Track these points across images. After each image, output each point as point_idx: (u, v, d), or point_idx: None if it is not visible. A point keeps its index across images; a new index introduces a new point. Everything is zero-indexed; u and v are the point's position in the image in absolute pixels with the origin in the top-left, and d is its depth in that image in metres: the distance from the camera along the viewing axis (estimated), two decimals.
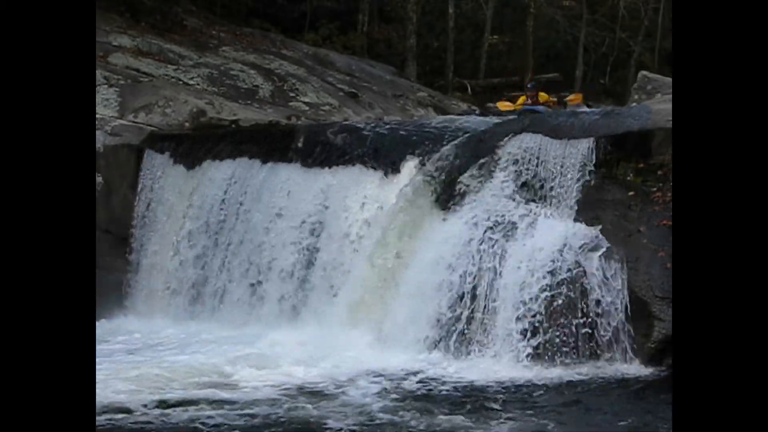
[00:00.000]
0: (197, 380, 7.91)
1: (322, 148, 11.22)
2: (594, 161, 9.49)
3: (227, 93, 15.08)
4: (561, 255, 8.86)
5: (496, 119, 11.81)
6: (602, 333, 8.61)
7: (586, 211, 9.27)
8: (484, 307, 8.93)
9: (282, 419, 6.83)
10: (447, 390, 7.80)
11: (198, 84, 15.17)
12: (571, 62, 26.57)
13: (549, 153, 9.65)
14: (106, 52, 15.27)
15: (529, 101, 13.71)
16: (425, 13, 25.67)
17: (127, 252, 12.12)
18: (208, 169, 11.98)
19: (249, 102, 15.03)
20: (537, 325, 8.62)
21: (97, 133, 12.17)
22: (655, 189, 9.32)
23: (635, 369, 8.42)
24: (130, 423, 6.62)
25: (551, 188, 9.54)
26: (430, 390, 7.79)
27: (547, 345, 8.58)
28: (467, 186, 9.89)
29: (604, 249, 8.88)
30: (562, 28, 26.99)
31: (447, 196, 9.91)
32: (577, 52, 26.43)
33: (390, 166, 10.64)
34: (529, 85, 14.27)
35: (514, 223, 9.35)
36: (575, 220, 9.24)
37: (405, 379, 8.09)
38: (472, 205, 9.69)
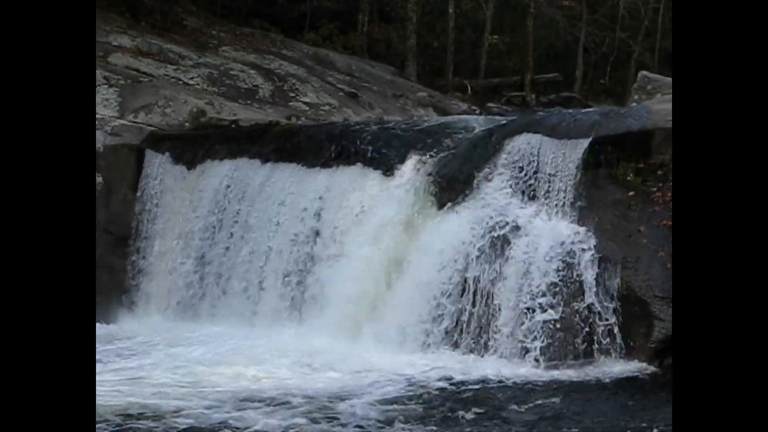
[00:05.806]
0: (195, 380, 7.90)
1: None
2: (584, 163, 9.45)
3: (227, 93, 15.08)
4: (560, 255, 8.86)
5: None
6: (602, 333, 8.61)
7: (585, 211, 9.27)
8: (484, 308, 8.93)
9: (279, 424, 6.80)
10: (445, 391, 7.79)
11: (198, 84, 15.17)
12: (571, 62, 26.60)
13: (548, 153, 9.64)
14: (106, 52, 15.27)
15: None
16: (425, 13, 25.69)
17: (127, 252, 12.12)
18: (208, 169, 11.98)
19: (249, 102, 15.03)
20: (536, 325, 8.62)
21: (97, 133, 12.17)
22: (655, 189, 9.31)
23: (635, 369, 8.41)
24: (131, 425, 6.61)
25: (551, 188, 9.53)
26: (429, 391, 7.78)
27: (547, 345, 8.58)
28: (466, 186, 9.88)
29: (603, 249, 8.88)
30: (562, 28, 27.00)
31: (446, 196, 9.90)
32: (577, 52, 26.47)
33: (390, 165, 10.63)
34: None
35: (513, 223, 9.34)
36: (575, 220, 9.23)
37: (403, 380, 8.07)
38: (471, 205, 9.68)
